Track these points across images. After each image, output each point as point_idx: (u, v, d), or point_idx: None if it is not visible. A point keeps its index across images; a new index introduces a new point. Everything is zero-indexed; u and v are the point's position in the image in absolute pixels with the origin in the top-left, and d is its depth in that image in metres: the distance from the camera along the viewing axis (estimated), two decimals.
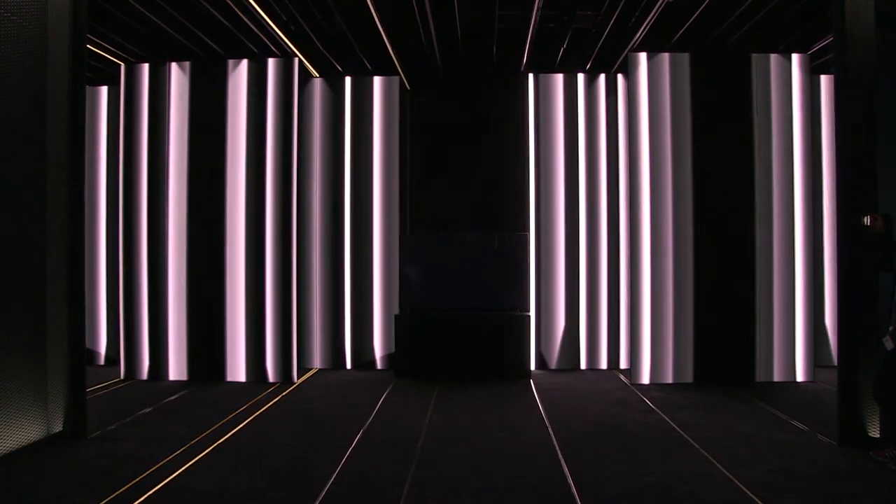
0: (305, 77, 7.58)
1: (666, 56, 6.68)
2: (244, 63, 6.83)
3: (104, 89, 7.74)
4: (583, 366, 7.47)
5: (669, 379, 6.61)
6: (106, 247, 7.69)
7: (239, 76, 6.81)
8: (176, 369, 6.80)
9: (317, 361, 7.56)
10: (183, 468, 4.07)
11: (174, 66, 6.85)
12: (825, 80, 7.46)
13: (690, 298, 6.59)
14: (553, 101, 7.55)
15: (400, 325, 7.12)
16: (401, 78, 7.76)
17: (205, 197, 6.79)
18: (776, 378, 6.62)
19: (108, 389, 6.42)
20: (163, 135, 6.83)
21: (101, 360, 7.69)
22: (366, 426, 5.10)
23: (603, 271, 7.48)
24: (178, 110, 6.83)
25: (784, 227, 6.64)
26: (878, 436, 4.39)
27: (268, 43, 6.98)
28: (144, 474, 3.95)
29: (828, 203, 7.39)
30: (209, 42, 7.02)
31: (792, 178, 6.65)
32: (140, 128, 6.87)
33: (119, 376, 6.87)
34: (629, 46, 6.99)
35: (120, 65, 7.00)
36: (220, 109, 6.80)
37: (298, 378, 6.83)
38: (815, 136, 7.29)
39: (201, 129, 6.80)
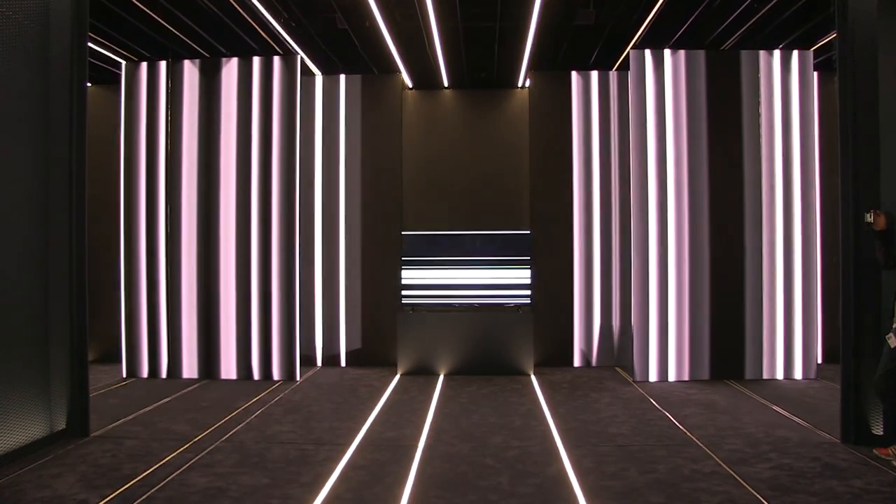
0: (307, 74, 7.57)
1: (667, 53, 6.67)
2: (244, 61, 6.81)
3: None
4: (586, 363, 7.47)
5: (673, 377, 6.60)
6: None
7: (239, 74, 6.79)
8: (179, 368, 6.80)
9: (319, 360, 7.57)
10: (185, 465, 4.07)
11: (185, 63, 6.84)
12: (828, 77, 7.43)
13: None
14: (563, 98, 7.54)
15: (402, 322, 7.13)
16: (402, 76, 7.75)
17: (206, 198, 6.79)
18: (778, 376, 6.60)
19: (117, 387, 6.42)
20: (169, 134, 6.83)
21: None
22: (368, 423, 5.10)
23: (614, 270, 7.49)
24: (183, 110, 6.82)
25: (784, 226, 6.61)
26: (881, 433, 4.37)
27: (268, 40, 6.97)
28: (147, 472, 3.96)
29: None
30: (211, 40, 7.01)
31: (791, 176, 6.62)
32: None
33: (129, 375, 6.87)
34: (630, 44, 6.97)
35: (122, 63, 6.99)
36: (218, 108, 6.80)
37: (301, 376, 6.83)
38: (821, 133, 7.26)
39: (209, 129, 6.80)
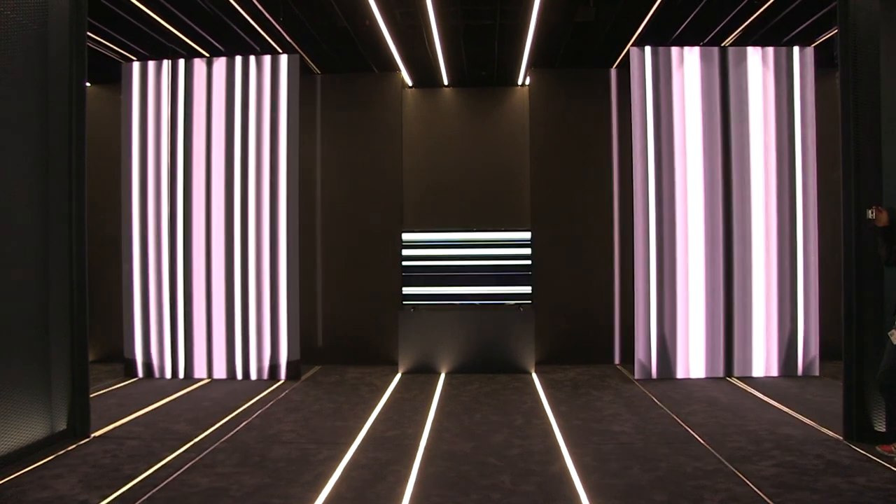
0: (307, 73, 7.54)
1: (667, 50, 6.66)
2: (243, 60, 6.80)
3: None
4: (587, 361, 7.45)
5: (676, 374, 6.59)
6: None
7: (238, 73, 6.78)
8: (180, 367, 6.79)
9: (319, 358, 7.56)
10: (186, 466, 4.06)
11: (184, 62, 6.83)
12: (828, 74, 7.40)
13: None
14: (564, 96, 7.52)
15: (403, 321, 7.12)
16: (401, 74, 7.73)
17: (206, 196, 6.77)
18: (780, 372, 6.59)
19: (118, 387, 6.41)
20: (170, 133, 6.81)
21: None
22: (370, 422, 5.09)
23: (604, 266, 7.49)
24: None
25: (790, 222, 6.61)
26: (884, 430, 4.36)
27: (268, 39, 6.95)
28: (148, 472, 3.95)
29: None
30: (210, 39, 6.99)
31: (789, 173, 6.62)
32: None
33: (130, 374, 6.86)
34: (631, 41, 6.95)
35: (121, 62, 6.98)
36: (218, 107, 6.79)
37: (302, 375, 6.81)
38: (822, 129, 7.25)
39: (208, 127, 6.78)
